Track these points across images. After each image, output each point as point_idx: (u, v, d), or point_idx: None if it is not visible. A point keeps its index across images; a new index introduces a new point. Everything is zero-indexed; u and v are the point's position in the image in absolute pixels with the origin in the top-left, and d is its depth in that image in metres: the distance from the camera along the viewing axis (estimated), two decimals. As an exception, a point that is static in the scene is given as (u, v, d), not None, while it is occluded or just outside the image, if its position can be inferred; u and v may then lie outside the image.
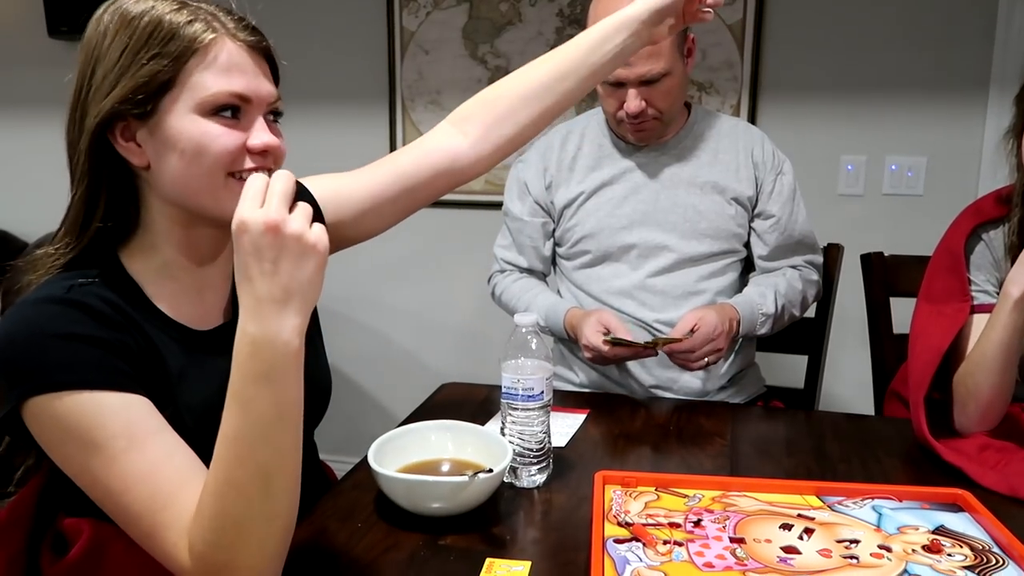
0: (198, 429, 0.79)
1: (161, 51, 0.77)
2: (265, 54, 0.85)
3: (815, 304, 1.65)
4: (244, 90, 0.80)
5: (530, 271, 1.64)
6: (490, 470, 0.92)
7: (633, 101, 1.40)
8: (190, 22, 0.79)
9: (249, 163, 0.82)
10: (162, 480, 0.74)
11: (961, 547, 0.83)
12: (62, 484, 0.90)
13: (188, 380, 0.84)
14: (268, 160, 0.84)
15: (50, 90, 2.73)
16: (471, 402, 1.35)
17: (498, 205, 1.69)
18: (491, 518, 0.94)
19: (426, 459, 1.02)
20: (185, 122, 0.79)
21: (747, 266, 1.58)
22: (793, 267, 1.55)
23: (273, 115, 0.86)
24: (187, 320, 0.88)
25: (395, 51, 2.46)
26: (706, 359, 1.38)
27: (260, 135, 0.82)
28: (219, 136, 0.79)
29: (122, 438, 0.73)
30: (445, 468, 1.01)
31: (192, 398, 0.83)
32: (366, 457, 0.97)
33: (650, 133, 1.47)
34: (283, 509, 0.74)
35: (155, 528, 0.73)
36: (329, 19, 2.48)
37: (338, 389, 1.05)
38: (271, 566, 0.75)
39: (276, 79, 0.87)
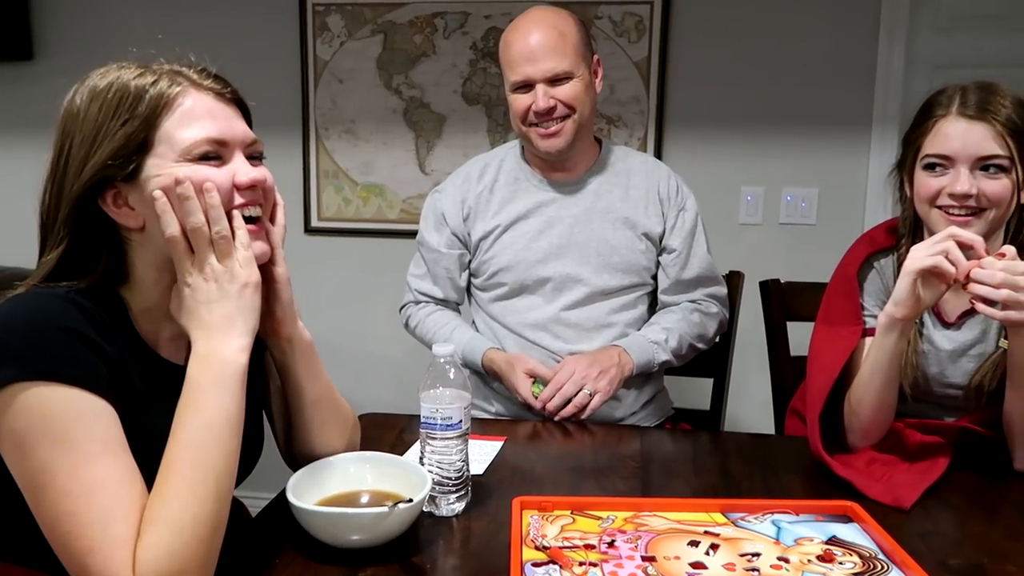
0: (154, 455, 0.79)
1: (131, 115, 0.81)
2: (234, 99, 0.89)
3: (718, 330, 1.71)
4: (218, 134, 0.84)
5: (444, 302, 1.65)
6: (410, 500, 0.93)
7: (542, 98, 1.44)
8: (154, 82, 0.82)
9: (239, 199, 0.86)
10: (124, 494, 0.74)
11: (851, 555, 0.90)
12: None
13: (152, 406, 0.84)
14: (259, 195, 0.88)
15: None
16: (389, 432, 1.36)
17: (413, 234, 1.70)
18: (411, 548, 0.95)
19: (345, 491, 1.02)
20: (173, 172, 0.82)
21: (656, 299, 1.61)
22: (692, 301, 1.58)
23: (255, 158, 0.89)
24: (161, 350, 0.90)
25: (308, 80, 2.45)
26: (582, 403, 1.42)
27: (245, 171, 0.86)
28: (208, 177, 0.83)
29: (98, 443, 0.74)
30: (364, 499, 1.01)
31: (152, 425, 0.83)
32: (283, 491, 0.96)
33: (563, 139, 1.47)
34: (225, 515, 0.78)
35: (104, 543, 0.72)
36: (241, 45, 2.45)
37: (254, 423, 1.04)
38: None
39: (250, 124, 0.91)
